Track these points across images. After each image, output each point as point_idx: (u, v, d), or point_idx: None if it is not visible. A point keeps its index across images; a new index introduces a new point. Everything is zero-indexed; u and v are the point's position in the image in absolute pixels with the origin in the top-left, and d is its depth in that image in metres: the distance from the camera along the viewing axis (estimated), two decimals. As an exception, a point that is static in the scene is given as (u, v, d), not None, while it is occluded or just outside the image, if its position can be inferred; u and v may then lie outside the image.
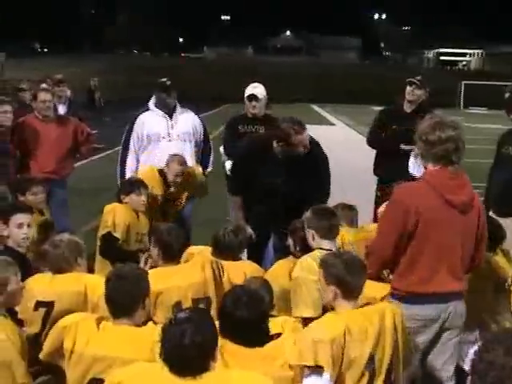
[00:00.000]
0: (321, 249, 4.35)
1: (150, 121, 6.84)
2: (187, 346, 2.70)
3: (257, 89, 7.17)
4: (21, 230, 4.77)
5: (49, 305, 4.03)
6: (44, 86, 9.36)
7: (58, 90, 8.76)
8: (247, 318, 3.31)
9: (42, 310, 4.04)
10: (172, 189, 6.38)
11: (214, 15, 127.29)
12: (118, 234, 5.55)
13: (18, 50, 55.78)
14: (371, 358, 3.33)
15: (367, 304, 3.51)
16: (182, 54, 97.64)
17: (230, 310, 3.34)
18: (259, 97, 7.09)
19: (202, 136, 7.08)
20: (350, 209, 5.60)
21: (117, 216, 5.58)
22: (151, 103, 6.95)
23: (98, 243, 5.65)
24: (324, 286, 3.55)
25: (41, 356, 3.60)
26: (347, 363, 3.29)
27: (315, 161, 5.73)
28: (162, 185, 6.34)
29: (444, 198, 3.79)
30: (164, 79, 6.92)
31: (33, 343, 3.77)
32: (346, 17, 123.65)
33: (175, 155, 6.38)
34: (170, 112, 6.86)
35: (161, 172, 6.34)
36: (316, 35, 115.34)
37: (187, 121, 6.94)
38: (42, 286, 4.13)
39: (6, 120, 6.93)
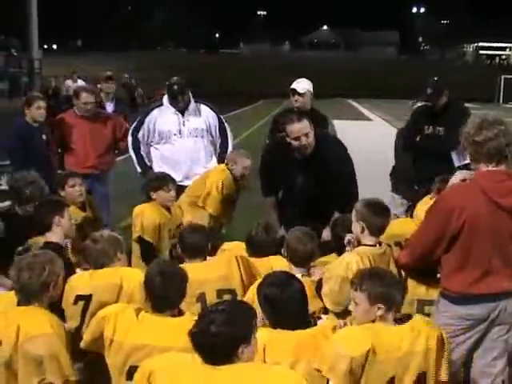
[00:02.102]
0: (365, 245, 4.34)
1: (162, 117, 6.87)
2: (213, 334, 2.77)
3: (300, 83, 7.22)
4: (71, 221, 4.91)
5: (87, 298, 4.11)
6: (82, 84, 9.41)
7: (106, 87, 8.79)
8: (283, 299, 3.37)
9: (81, 304, 4.11)
10: (244, 183, 6.42)
11: (250, 11, 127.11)
12: (148, 237, 5.56)
13: (59, 47, 56.37)
14: (391, 380, 3.31)
15: (405, 318, 3.46)
16: (219, 50, 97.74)
17: (272, 293, 3.39)
18: (301, 91, 7.12)
19: (217, 132, 7.06)
20: None
21: (145, 219, 5.58)
22: (165, 98, 6.96)
23: (135, 246, 5.66)
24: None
25: (82, 345, 3.70)
26: (366, 381, 3.28)
27: (332, 160, 5.61)
28: (235, 184, 6.38)
29: (493, 200, 3.72)
30: (172, 81, 6.89)
31: (73, 337, 3.84)
32: (384, 11, 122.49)
33: (238, 150, 6.45)
34: (181, 109, 6.88)
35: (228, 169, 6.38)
36: (353, 30, 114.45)
37: (200, 117, 6.94)
38: (82, 281, 4.21)
39: (39, 115, 7.06)
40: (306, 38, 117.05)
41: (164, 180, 5.83)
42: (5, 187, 10.74)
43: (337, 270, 4.20)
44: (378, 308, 3.41)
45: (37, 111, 7.03)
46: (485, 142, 3.73)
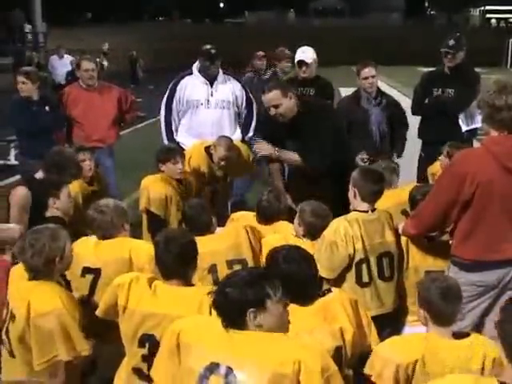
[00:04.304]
0: (357, 211, 4.38)
1: (191, 86, 6.87)
2: (224, 294, 2.80)
3: (305, 53, 7.23)
4: (70, 199, 4.91)
5: (96, 272, 4.14)
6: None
7: (260, 64, 8.99)
8: (299, 274, 3.37)
9: (90, 277, 4.15)
10: (217, 169, 6.36)
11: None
12: (154, 209, 5.58)
13: (67, 19, 55.91)
14: None
15: (464, 334, 3.35)
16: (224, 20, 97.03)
17: (290, 269, 3.38)
18: (308, 61, 7.19)
19: (244, 103, 7.07)
20: (390, 171, 5.54)
21: (151, 192, 5.61)
22: (195, 67, 6.96)
23: (144, 219, 5.70)
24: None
25: (97, 313, 3.74)
26: None
27: (315, 123, 5.55)
28: (209, 163, 6.32)
29: (503, 165, 3.71)
30: (208, 46, 6.88)
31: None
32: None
33: (223, 138, 6.34)
34: (211, 79, 6.87)
35: (207, 150, 6.31)
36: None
37: (228, 89, 6.94)
38: (88, 251, 4.23)
39: (19, 90, 7.16)
40: (311, 6, 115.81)
41: (172, 152, 5.83)
42: (13, 162, 10.84)
43: (326, 235, 4.26)
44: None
45: (18, 86, 7.16)
46: (502, 109, 3.70)
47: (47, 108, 7.18)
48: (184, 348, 2.93)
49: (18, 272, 3.83)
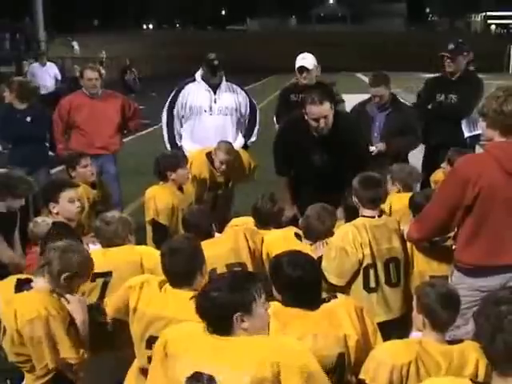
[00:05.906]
0: (363, 216, 4.40)
1: (195, 93, 6.89)
2: (210, 298, 2.82)
3: (306, 60, 7.21)
4: (73, 204, 4.90)
5: (106, 275, 4.17)
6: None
7: None
8: (305, 279, 3.36)
9: (100, 280, 4.18)
10: (218, 175, 6.40)
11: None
12: (162, 220, 5.58)
13: (72, 26, 56.03)
14: None
15: (457, 340, 3.33)
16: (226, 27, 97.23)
17: (296, 274, 3.37)
18: (309, 68, 7.15)
19: (247, 110, 7.09)
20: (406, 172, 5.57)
21: (158, 201, 5.59)
22: (198, 74, 6.99)
23: (148, 229, 5.69)
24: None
25: (107, 311, 3.78)
26: None
27: (347, 135, 5.55)
28: (210, 169, 6.36)
29: (506, 170, 3.70)
30: (212, 56, 6.88)
31: (94, 311, 3.88)
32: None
33: (223, 143, 6.36)
34: (214, 86, 6.89)
35: (208, 156, 6.35)
36: (360, 2, 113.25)
37: (231, 96, 6.95)
38: (96, 259, 4.23)
39: (5, 98, 7.39)
40: (313, 12, 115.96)
41: (179, 158, 5.85)
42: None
43: (335, 241, 4.29)
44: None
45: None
46: (510, 115, 3.69)
47: (29, 118, 7.24)
48: (171, 358, 2.93)
49: (6, 286, 3.81)
